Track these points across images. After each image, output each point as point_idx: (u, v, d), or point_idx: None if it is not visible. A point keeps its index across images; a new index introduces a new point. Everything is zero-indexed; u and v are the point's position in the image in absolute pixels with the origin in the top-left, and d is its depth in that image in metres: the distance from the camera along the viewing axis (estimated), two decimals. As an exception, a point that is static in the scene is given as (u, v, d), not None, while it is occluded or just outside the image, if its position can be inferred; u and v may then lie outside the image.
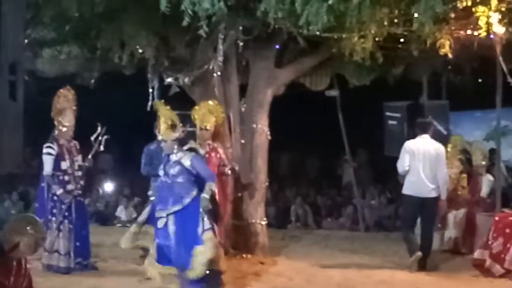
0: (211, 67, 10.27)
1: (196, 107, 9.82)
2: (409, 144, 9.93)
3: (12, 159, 4.37)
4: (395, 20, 8.54)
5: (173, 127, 7.98)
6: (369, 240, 12.43)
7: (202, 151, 9.51)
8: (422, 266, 9.70)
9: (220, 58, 10.11)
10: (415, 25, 7.95)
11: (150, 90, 11.07)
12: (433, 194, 9.72)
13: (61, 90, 9.08)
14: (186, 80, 10.60)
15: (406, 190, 9.88)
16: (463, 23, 8.80)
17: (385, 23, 8.43)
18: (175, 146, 7.94)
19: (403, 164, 9.86)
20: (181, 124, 8.21)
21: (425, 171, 9.73)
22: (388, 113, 12.87)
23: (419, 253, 9.64)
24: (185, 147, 8.02)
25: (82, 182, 9.14)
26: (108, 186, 16.65)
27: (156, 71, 10.93)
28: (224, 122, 10.30)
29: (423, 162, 9.76)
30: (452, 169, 11.59)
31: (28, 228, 4.73)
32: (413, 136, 10.13)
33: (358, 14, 7.71)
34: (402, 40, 9.58)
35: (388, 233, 13.57)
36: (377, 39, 8.85)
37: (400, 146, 11.59)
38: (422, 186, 9.72)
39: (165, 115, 8.11)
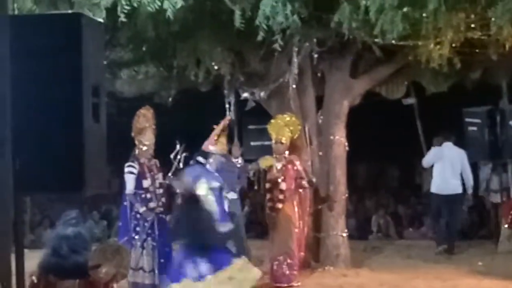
0: (286, 80, 10.29)
1: (272, 121, 9.85)
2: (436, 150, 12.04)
3: (97, 181, 4.45)
4: (472, 25, 8.39)
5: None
6: (455, 249, 12.19)
7: (278, 164, 9.57)
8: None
9: (295, 71, 10.13)
10: (493, 29, 7.81)
11: (227, 106, 11.15)
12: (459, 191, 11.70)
13: (141, 110, 9.20)
14: (262, 94, 10.64)
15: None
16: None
17: (462, 28, 8.29)
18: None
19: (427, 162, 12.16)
20: None
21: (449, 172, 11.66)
22: (468, 119, 12.65)
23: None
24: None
25: (163, 200, 9.24)
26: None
27: (232, 87, 11.02)
28: (301, 134, 10.29)
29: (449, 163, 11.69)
30: (535, 174, 11.35)
31: (116, 256, 4.77)
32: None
33: (433, 21, 7.63)
34: (479, 44, 9.40)
35: (471, 241, 13.30)
36: (454, 44, 8.71)
37: (481, 152, 11.48)
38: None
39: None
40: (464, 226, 14.55)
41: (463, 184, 11.83)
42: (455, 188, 11.80)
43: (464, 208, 13.52)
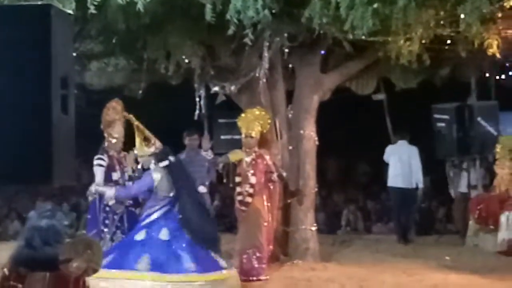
0: (257, 74, 10.29)
1: (242, 115, 9.85)
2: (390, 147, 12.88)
3: (65, 172, 4.43)
4: (442, 22, 8.46)
5: (147, 142, 8.21)
6: (421, 243, 12.31)
7: (248, 158, 9.58)
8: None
9: (266, 65, 10.13)
10: (462, 26, 7.88)
11: (197, 99, 11.13)
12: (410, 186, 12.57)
13: (110, 103, 9.17)
14: (233, 88, 10.64)
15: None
16: (510, 22, 8.68)
17: (431, 25, 8.36)
18: (152, 161, 8.18)
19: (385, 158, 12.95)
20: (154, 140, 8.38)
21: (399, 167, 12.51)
22: (436, 116, 12.77)
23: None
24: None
25: (133, 192, 9.21)
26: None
27: (202, 80, 11.00)
28: (271, 129, 10.31)
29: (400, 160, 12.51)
30: (504, 170, 11.48)
31: (87, 252, 4.75)
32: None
33: (403, 17, 7.67)
34: (449, 41, 9.49)
35: (439, 236, 13.43)
36: (423, 41, 8.77)
37: (450, 148, 11.58)
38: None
39: (141, 130, 8.34)
40: (432, 221, 14.71)
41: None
42: (406, 183, 12.57)
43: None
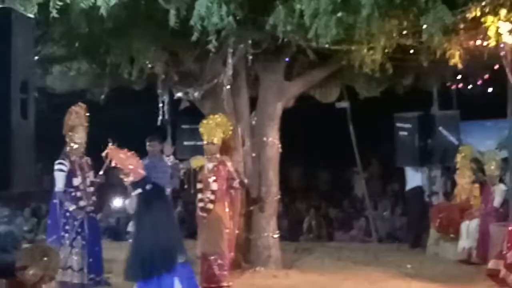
0: (220, 81, 10.29)
1: (204, 121, 9.81)
2: None
3: (25, 177, 4.37)
4: (404, 32, 8.51)
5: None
6: (382, 251, 12.37)
7: (210, 165, 9.55)
8: None
9: (230, 72, 10.13)
10: (425, 36, 7.93)
11: (161, 105, 11.09)
12: None
13: (73, 107, 9.08)
14: (196, 94, 10.62)
15: None
16: (472, 34, 8.77)
17: (394, 34, 8.41)
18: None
19: None
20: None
21: None
22: (399, 124, 12.86)
23: None
24: None
25: (94, 198, 9.14)
26: (119, 202, 16.64)
27: (166, 86, 10.97)
28: (234, 135, 10.29)
29: None
30: (464, 179, 11.60)
31: (44, 259, 4.69)
32: None
33: (367, 26, 7.70)
34: (411, 51, 9.56)
35: (401, 244, 13.52)
36: (386, 50, 8.83)
37: (411, 157, 11.63)
38: None
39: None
40: (395, 228, 14.80)
41: None
42: None
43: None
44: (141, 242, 7.32)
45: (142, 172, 7.68)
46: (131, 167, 7.62)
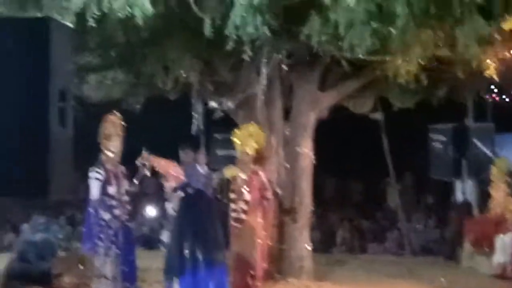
0: (254, 90, 10.30)
1: (237, 131, 9.82)
2: None
3: (62, 186, 4.41)
4: (440, 43, 8.46)
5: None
6: (415, 264, 12.28)
7: (243, 175, 9.55)
8: None
9: (264, 82, 10.14)
10: (460, 47, 7.88)
11: (195, 114, 11.12)
12: None
13: (109, 116, 9.15)
14: (230, 104, 10.65)
15: None
16: (508, 45, 8.70)
17: (430, 45, 8.36)
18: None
19: None
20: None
21: None
22: (433, 136, 12.78)
23: None
24: None
25: (128, 207, 9.18)
26: (151, 210, 16.72)
27: (200, 96, 11.00)
28: (267, 145, 10.28)
29: None
30: (499, 192, 11.47)
31: (79, 267, 4.71)
32: None
33: (402, 37, 7.67)
34: (446, 62, 9.50)
35: (434, 257, 13.40)
36: (421, 61, 8.78)
37: (445, 169, 11.55)
38: None
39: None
40: (428, 241, 14.69)
41: None
42: None
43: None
44: (181, 241, 7.41)
45: (183, 178, 7.82)
46: (173, 173, 7.76)
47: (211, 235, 7.50)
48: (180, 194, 7.86)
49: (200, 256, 7.21)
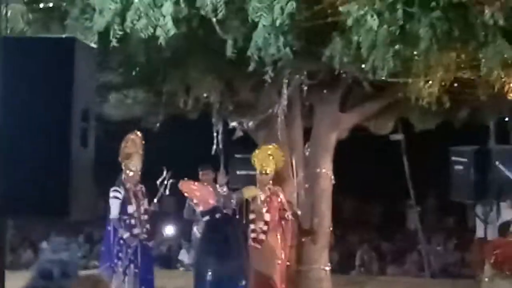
0: (275, 111, 10.28)
1: (256, 151, 9.81)
2: None
3: (83, 206, 4.40)
4: (462, 65, 8.42)
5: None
6: (435, 287, 12.16)
7: (262, 195, 9.52)
8: None
9: (284, 102, 10.12)
10: (483, 70, 7.82)
11: (215, 134, 11.12)
12: None
13: (129, 135, 9.17)
14: (250, 124, 10.64)
15: None
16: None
17: (452, 67, 8.31)
18: None
19: None
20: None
21: None
22: (454, 158, 12.66)
23: None
24: None
25: (148, 226, 9.18)
26: (171, 229, 16.69)
27: (220, 115, 11.00)
28: (287, 166, 10.26)
29: None
30: (521, 215, 11.34)
31: None
32: None
33: (425, 59, 7.64)
34: (469, 84, 9.44)
35: (454, 280, 13.27)
36: (443, 83, 8.73)
37: (467, 191, 11.46)
38: None
39: None
40: (448, 264, 14.57)
41: None
42: None
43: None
44: (205, 266, 7.44)
45: (212, 202, 7.85)
46: (199, 197, 7.81)
47: (234, 258, 7.52)
48: (206, 218, 7.91)
49: (222, 279, 7.24)
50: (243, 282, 7.85)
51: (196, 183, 8.31)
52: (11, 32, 5.80)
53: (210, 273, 7.23)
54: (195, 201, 8.04)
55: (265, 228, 9.43)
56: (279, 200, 9.62)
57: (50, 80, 4.30)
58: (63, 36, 4.53)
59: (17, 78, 4.28)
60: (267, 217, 9.47)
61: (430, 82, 8.60)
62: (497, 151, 12.39)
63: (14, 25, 7.10)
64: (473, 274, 12.99)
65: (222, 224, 7.75)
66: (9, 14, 5.25)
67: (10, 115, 4.23)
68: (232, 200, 10.12)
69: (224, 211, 8.70)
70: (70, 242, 4.83)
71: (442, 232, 15.82)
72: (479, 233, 12.77)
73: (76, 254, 4.88)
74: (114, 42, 7.20)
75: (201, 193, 7.99)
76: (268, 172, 9.61)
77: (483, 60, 7.73)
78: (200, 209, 8.07)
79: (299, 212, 10.02)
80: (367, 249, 15.13)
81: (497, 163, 11.16)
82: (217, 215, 7.77)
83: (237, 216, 9.82)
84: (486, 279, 11.77)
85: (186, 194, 8.28)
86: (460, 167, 12.45)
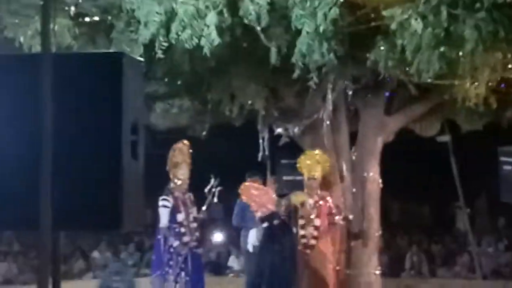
0: (320, 116, 10.29)
1: (302, 157, 9.83)
2: None
3: (134, 219, 4.46)
4: (509, 65, 8.33)
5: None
6: (487, 288, 12.04)
7: (311, 200, 9.53)
8: None
9: (330, 107, 10.12)
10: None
11: (261, 141, 11.16)
12: None
13: (177, 144, 9.25)
14: (296, 129, 10.65)
15: None
16: None
17: (499, 68, 8.23)
18: None
19: None
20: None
21: None
22: (503, 158, 12.53)
23: None
24: None
25: (197, 234, 9.25)
26: (219, 236, 16.75)
27: (266, 122, 11.03)
28: (334, 170, 10.25)
29: None
30: None
31: None
32: None
33: (470, 60, 7.58)
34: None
35: (506, 281, 13.11)
36: (490, 84, 8.65)
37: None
38: None
39: None
40: (500, 265, 14.39)
41: None
42: None
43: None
44: (260, 273, 7.48)
45: (271, 208, 7.89)
46: (258, 203, 7.84)
47: (288, 269, 7.56)
48: (264, 224, 7.94)
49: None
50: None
51: (256, 187, 8.33)
52: (58, 47, 5.92)
53: (264, 281, 7.27)
54: (253, 206, 8.07)
55: (315, 233, 9.44)
56: (328, 205, 9.63)
57: (101, 95, 4.37)
58: (112, 51, 4.60)
59: (68, 93, 4.35)
60: (317, 222, 9.48)
61: (476, 83, 8.52)
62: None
63: (60, 40, 7.24)
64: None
65: (279, 230, 7.79)
66: (56, 28, 5.36)
67: (61, 131, 4.30)
68: (281, 207, 10.16)
69: (282, 217, 8.74)
70: (123, 265, 4.94)
71: (492, 233, 15.62)
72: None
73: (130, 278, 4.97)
74: (159, 53, 7.30)
75: (260, 198, 8.02)
76: (316, 177, 9.63)
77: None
78: (258, 214, 8.09)
79: (350, 217, 10.00)
80: (417, 251, 15.01)
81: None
82: (275, 221, 7.78)
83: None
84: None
85: (244, 199, 8.30)
86: (509, 167, 12.33)
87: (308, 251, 9.44)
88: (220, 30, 7.20)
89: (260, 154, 11.14)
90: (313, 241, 9.42)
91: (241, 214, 9.91)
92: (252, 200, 8.21)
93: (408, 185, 16.39)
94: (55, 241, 4.39)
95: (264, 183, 10.89)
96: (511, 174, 12.28)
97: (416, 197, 17.66)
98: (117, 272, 4.98)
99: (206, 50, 7.32)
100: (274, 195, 8.89)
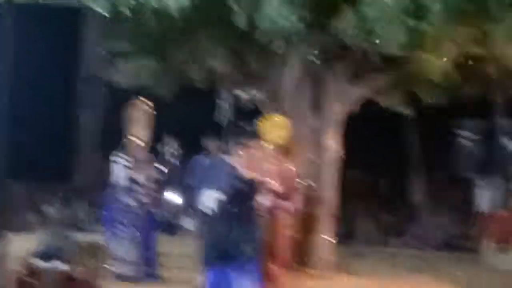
0: (284, 82, 10.27)
1: (263, 121, 9.79)
2: None
3: (89, 172, 4.45)
4: (474, 40, 8.40)
5: None
6: (438, 260, 12.23)
7: (270, 165, 9.52)
8: None
9: (293, 74, 10.10)
10: (494, 46, 7.81)
11: (223, 104, 11.13)
12: None
13: (136, 102, 9.16)
14: (259, 95, 10.63)
15: None
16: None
17: (463, 43, 8.30)
18: None
19: None
20: None
21: None
22: (462, 133, 12.71)
23: None
24: None
25: (155, 194, 9.22)
26: (175, 197, 16.70)
27: (229, 86, 10.99)
28: (294, 137, 10.26)
29: None
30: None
31: (92, 260, 4.79)
32: None
33: (435, 34, 7.62)
34: (479, 60, 9.41)
35: (458, 253, 13.33)
36: (454, 58, 8.71)
37: (474, 166, 11.47)
38: None
39: None
40: (452, 236, 14.60)
41: None
42: None
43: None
44: (218, 236, 7.49)
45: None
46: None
47: (245, 229, 7.56)
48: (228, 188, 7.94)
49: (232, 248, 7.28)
50: (253, 251, 7.88)
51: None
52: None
53: (220, 246, 7.28)
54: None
55: (274, 198, 9.45)
56: (287, 170, 9.63)
57: (59, 46, 4.33)
58: (73, 3, 4.52)
59: (26, 43, 4.30)
60: (276, 187, 9.49)
61: (440, 56, 8.58)
62: (503, 126, 12.43)
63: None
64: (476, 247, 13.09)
65: (241, 194, 7.79)
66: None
67: (18, 81, 4.26)
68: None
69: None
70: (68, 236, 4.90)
71: (446, 206, 15.82)
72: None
73: (74, 246, 4.94)
74: (126, 12, 7.20)
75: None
76: (275, 142, 9.60)
77: (494, 36, 7.72)
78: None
79: (311, 184, 10.04)
80: (370, 221, 15.16)
81: (504, 138, 11.19)
82: (239, 185, 7.79)
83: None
84: (488, 253, 11.89)
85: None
86: (467, 142, 12.51)
87: (266, 215, 9.46)
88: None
89: (221, 118, 11.12)
90: (271, 206, 9.43)
91: (198, 175, 9.85)
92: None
93: (367, 156, 16.49)
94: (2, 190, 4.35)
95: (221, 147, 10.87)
96: (469, 148, 12.47)
97: (375, 168, 17.78)
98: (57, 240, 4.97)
99: (173, 11, 7.24)
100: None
